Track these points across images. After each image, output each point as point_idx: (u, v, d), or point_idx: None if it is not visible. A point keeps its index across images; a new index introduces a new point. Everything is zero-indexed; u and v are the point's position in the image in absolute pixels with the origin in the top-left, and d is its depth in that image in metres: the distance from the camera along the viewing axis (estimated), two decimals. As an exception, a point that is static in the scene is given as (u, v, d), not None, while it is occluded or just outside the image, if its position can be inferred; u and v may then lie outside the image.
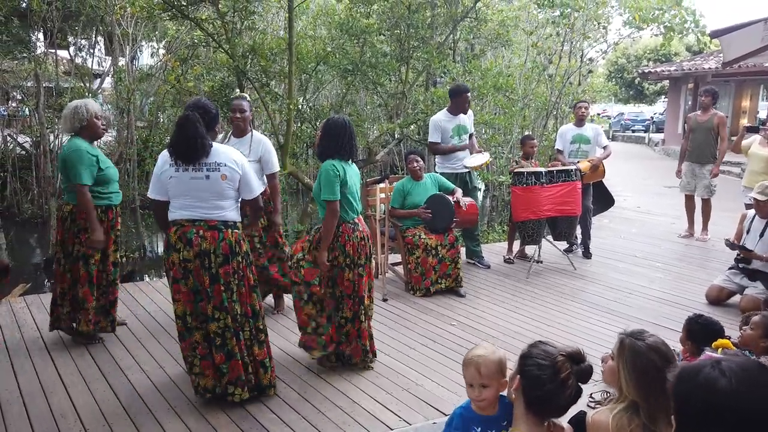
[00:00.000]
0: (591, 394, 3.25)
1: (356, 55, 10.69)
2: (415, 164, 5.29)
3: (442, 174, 5.89)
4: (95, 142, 3.86)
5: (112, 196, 3.85)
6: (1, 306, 4.67)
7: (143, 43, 15.18)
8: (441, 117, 5.98)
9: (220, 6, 9.18)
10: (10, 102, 16.38)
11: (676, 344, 3.53)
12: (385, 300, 4.97)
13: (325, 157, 3.49)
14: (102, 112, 3.83)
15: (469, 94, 6.08)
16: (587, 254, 6.52)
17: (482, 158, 5.84)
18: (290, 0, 9.25)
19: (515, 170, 5.91)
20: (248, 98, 4.18)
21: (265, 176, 4.20)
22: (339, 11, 11.39)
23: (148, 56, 16.88)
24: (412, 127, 11.23)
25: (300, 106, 11.20)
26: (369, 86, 11.88)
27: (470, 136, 6.08)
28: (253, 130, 4.22)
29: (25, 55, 14.61)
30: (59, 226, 3.84)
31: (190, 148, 2.93)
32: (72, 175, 3.63)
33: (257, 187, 3.16)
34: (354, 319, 3.55)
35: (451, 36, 11.38)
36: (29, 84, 14.64)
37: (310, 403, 3.25)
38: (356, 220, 3.58)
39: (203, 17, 9.90)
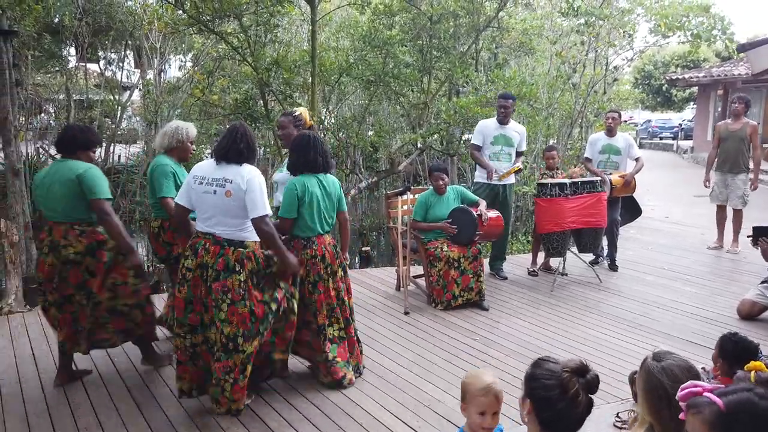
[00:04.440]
0: (618, 413, 3.17)
1: (379, 66, 10.73)
2: (440, 182, 5.25)
3: (476, 183, 5.89)
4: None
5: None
6: (30, 317, 4.76)
7: (171, 56, 15.47)
8: (487, 121, 6.02)
9: (243, 20, 9.31)
10: (42, 114, 16.82)
11: (707, 361, 3.44)
12: (406, 313, 4.94)
13: (296, 172, 3.58)
14: (195, 135, 4.00)
15: (506, 101, 5.86)
16: (614, 267, 6.40)
17: (512, 166, 5.80)
18: (313, 13, 9.33)
19: (539, 181, 5.84)
20: (296, 113, 4.17)
21: None
22: (362, 23, 11.46)
23: (175, 69, 17.18)
24: (434, 137, 11.21)
25: (323, 118, 11.27)
26: (391, 97, 11.92)
27: (518, 154, 5.96)
28: None
29: (57, 68, 15.03)
30: (153, 242, 3.99)
31: (229, 149, 3.08)
32: (157, 189, 3.78)
33: (261, 206, 3.02)
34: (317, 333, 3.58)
35: (474, 45, 11.35)
36: (61, 97, 15.04)
37: (330, 418, 3.23)
38: (313, 238, 3.56)
39: (228, 31, 10.06)
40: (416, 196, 5.53)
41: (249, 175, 3.05)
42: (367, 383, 3.65)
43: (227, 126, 3.34)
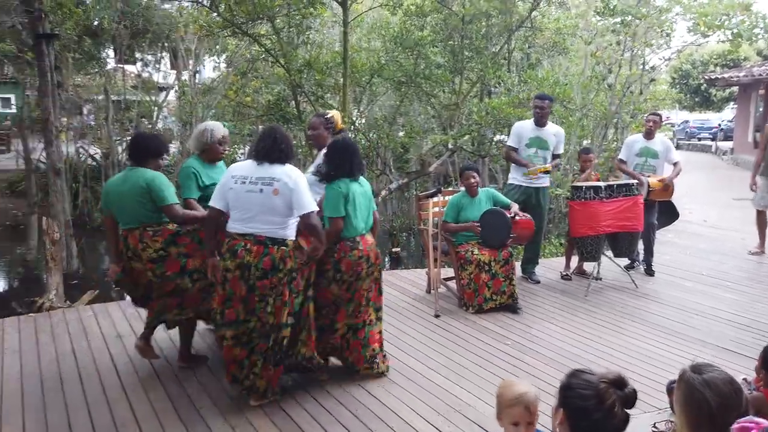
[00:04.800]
0: (655, 423, 3.10)
1: (410, 66, 10.71)
2: (472, 180, 5.22)
3: (509, 184, 5.83)
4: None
5: None
6: (70, 313, 4.90)
7: (205, 57, 15.74)
8: (524, 123, 5.95)
9: (276, 22, 9.40)
10: (84, 115, 17.29)
11: (749, 371, 3.34)
12: (437, 316, 4.91)
13: (332, 179, 3.53)
14: (226, 138, 3.98)
15: (541, 102, 5.75)
16: (650, 271, 6.26)
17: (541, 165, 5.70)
18: (345, 14, 9.38)
19: (573, 184, 5.75)
20: (328, 115, 4.18)
21: None
22: (393, 24, 11.45)
23: (210, 70, 17.48)
24: (465, 138, 11.14)
25: (354, 118, 11.31)
26: (422, 98, 11.89)
27: (554, 157, 5.85)
28: None
29: (96, 70, 15.44)
30: None
31: (271, 149, 3.14)
32: (183, 191, 3.80)
33: (309, 203, 3.14)
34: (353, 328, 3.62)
35: (506, 46, 11.24)
36: (99, 98, 15.45)
37: (360, 420, 3.24)
38: (358, 239, 3.56)
39: (261, 33, 10.18)
40: (447, 197, 5.50)
41: (294, 173, 3.15)
42: (398, 386, 3.65)
43: (261, 127, 3.33)
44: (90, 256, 11.22)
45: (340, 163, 3.52)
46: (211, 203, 3.24)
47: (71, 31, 10.79)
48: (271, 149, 3.17)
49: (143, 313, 4.85)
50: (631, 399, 1.74)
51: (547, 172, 5.73)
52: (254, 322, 3.18)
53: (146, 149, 3.58)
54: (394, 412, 3.33)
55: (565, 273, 6.19)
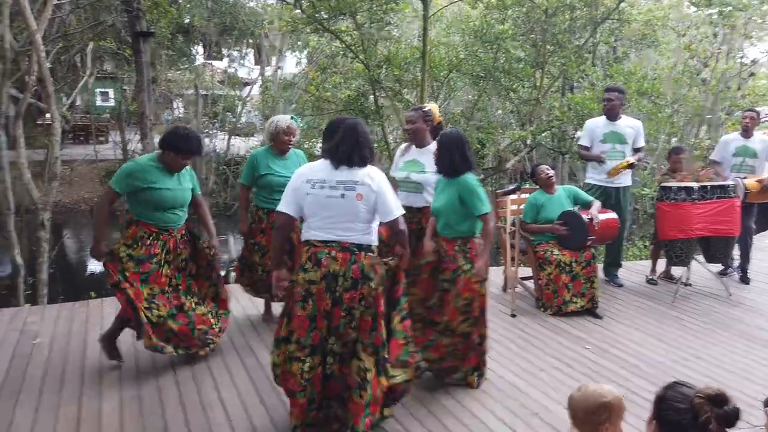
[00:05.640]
0: (749, 441, 2.92)
1: (489, 61, 10.56)
2: (543, 175, 5.09)
3: (588, 184, 5.64)
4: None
5: (275, 202, 4.11)
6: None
7: (287, 53, 16.20)
8: (596, 119, 5.73)
9: (357, 18, 9.52)
10: (173, 108, 18.26)
11: None
12: (513, 316, 4.84)
13: (461, 171, 3.45)
14: (291, 128, 4.17)
15: (610, 94, 5.54)
16: (745, 279, 5.87)
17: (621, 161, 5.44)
18: (426, 9, 9.36)
19: (663, 184, 5.47)
20: (426, 108, 4.06)
21: None
22: (473, 18, 11.32)
23: (291, 66, 17.96)
24: (545, 134, 10.86)
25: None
26: (501, 92, 11.69)
27: (636, 150, 5.55)
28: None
29: (186, 66, 16.25)
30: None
31: (353, 154, 2.83)
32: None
33: (395, 208, 2.88)
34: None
35: (591, 39, 10.84)
36: (189, 92, 16.26)
37: (436, 417, 3.24)
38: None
39: (342, 29, 10.34)
40: (526, 195, 5.39)
41: (377, 175, 2.88)
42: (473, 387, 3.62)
43: (337, 121, 3.04)
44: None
45: (462, 154, 3.41)
46: (282, 208, 2.90)
47: (165, 29, 11.40)
48: (352, 153, 2.84)
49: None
50: (731, 417, 1.65)
51: (630, 165, 5.43)
52: (334, 343, 2.83)
53: (163, 140, 3.59)
54: (470, 411, 3.31)
55: (650, 277, 5.92)
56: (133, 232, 3.53)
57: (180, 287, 3.71)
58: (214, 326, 3.82)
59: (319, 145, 12.83)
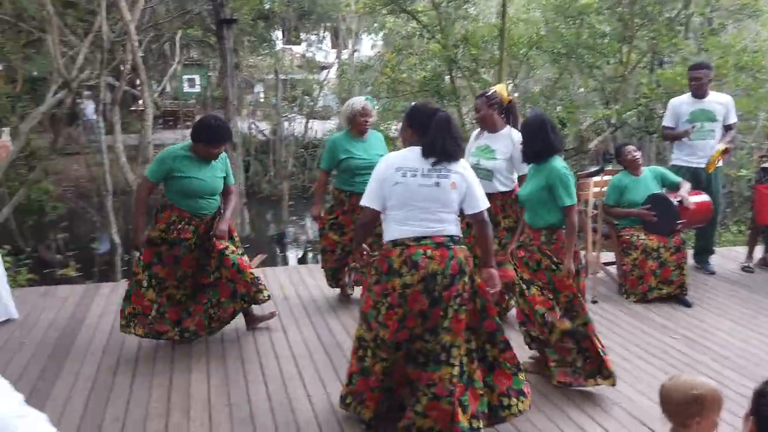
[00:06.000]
0: None
1: (572, 37, 10.14)
2: (634, 154, 4.83)
3: (675, 166, 5.30)
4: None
5: (356, 185, 4.19)
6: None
7: (363, 36, 16.27)
8: (680, 99, 5.34)
9: (436, -4, 9.40)
10: (254, 93, 18.86)
11: None
12: (594, 302, 4.68)
13: (545, 156, 3.27)
14: (366, 109, 4.22)
15: (697, 72, 5.13)
16: None
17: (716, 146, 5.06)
18: (505, -15, 9.10)
19: (763, 165, 5.07)
20: (490, 92, 3.92)
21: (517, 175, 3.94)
22: (555, -8, 10.88)
23: (367, 48, 18.04)
24: (631, 112, 10.33)
25: (508, 93, 11.00)
26: (584, 70, 11.20)
27: (728, 128, 5.14)
28: (511, 126, 3.88)
29: (266, 51, 16.72)
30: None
31: (447, 148, 2.68)
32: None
33: (483, 200, 2.77)
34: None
35: (684, 10, 10.14)
36: (269, 77, 16.73)
37: (513, 402, 3.20)
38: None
39: (419, 9, 10.25)
40: (608, 178, 5.15)
41: (467, 166, 2.78)
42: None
43: (426, 111, 2.83)
44: (259, 224, 12.32)
45: (547, 137, 3.22)
46: (367, 203, 2.74)
47: (247, 15, 11.77)
48: (447, 147, 2.67)
49: (306, 276, 5.26)
50: None
51: (725, 151, 5.04)
52: (432, 342, 2.66)
53: (195, 131, 3.64)
54: (547, 398, 3.25)
55: (746, 264, 5.52)
56: (167, 216, 3.69)
57: (208, 268, 3.79)
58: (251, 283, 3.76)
59: (394, 127, 12.86)
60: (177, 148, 3.69)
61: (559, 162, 3.26)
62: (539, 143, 3.26)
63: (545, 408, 3.16)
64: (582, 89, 13.26)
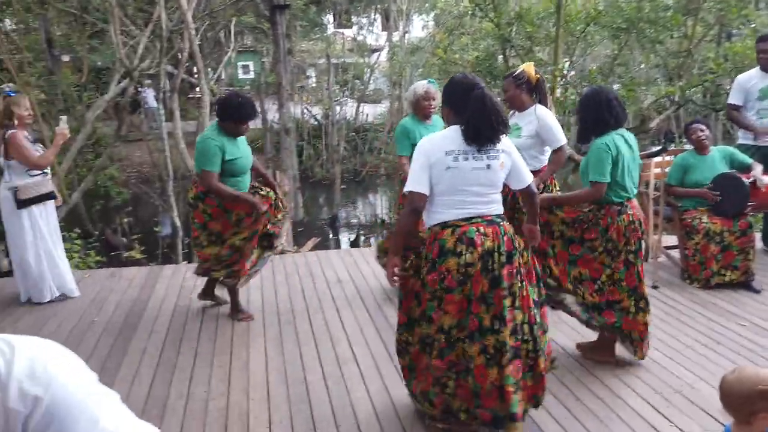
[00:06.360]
0: None
1: (632, 11, 9.69)
2: (700, 133, 4.61)
3: (742, 145, 5.03)
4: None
5: None
6: (299, 258, 5.54)
7: (414, 17, 16.09)
8: (747, 74, 5.06)
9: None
10: (307, 78, 19.04)
11: None
12: (655, 287, 4.52)
13: (598, 132, 3.22)
14: (429, 93, 4.17)
15: (766, 44, 4.84)
16: None
17: None
18: (562, -41, 8.78)
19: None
20: (516, 72, 3.86)
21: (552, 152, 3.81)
22: (616, -37, 10.41)
23: (418, 29, 17.85)
24: (697, 89, 9.83)
25: (565, 71, 10.68)
26: (645, 45, 10.72)
27: None
28: (537, 105, 3.77)
29: (318, 36, 16.81)
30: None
31: (492, 131, 2.54)
32: (396, 148, 4.31)
33: (528, 174, 2.74)
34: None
35: (757, -22, 9.53)
36: (321, 61, 16.83)
37: (569, 388, 3.16)
38: (626, 203, 3.27)
39: (471, -14, 10.04)
40: (670, 158, 4.94)
41: (510, 143, 2.69)
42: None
43: (462, 85, 2.66)
44: (312, 208, 12.50)
45: (597, 114, 3.16)
46: (414, 188, 2.55)
47: (299, 0, 11.82)
48: (486, 132, 2.52)
49: (359, 259, 5.32)
50: None
51: None
52: (506, 330, 2.51)
53: (222, 110, 3.71)
54: (605, 385, 3.19)
55: (821, 249, 5.22)
56: (215, 202, 3.83)
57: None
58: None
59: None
60: (212, 134, 3.74)
61: (599, 142, 3.17)
62: (590, 121, 3.22)
63: (603, 395, 3.10)
64: (643, 65, 12.71)
